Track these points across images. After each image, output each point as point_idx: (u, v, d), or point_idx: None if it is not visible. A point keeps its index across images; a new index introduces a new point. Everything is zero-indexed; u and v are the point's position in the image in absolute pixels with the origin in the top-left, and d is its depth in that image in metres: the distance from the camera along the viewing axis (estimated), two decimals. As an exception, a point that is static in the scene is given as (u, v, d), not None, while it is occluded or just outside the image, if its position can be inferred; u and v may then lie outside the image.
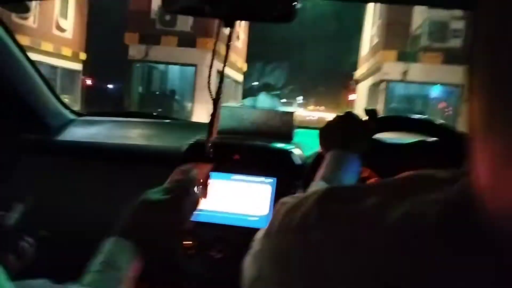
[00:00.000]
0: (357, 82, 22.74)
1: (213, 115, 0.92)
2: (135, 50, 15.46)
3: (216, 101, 0.92)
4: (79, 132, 1.42)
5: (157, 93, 17.90)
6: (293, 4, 0.74)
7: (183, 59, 15.55)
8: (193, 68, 15.70)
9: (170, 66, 17.15)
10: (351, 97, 24.35)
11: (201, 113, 15.03)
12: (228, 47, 0.80)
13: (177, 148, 1.21)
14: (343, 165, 0.80)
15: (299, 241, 0.32)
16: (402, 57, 13.68)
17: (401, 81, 14.44)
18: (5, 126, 1.34)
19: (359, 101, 21.86)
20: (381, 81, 15.18)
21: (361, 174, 1.08)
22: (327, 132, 0.91)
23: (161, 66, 17.63)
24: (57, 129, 1.43)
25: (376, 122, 0.94)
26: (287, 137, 1.30)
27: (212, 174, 1.11)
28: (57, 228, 1.01)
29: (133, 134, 1.42)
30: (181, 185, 0.73)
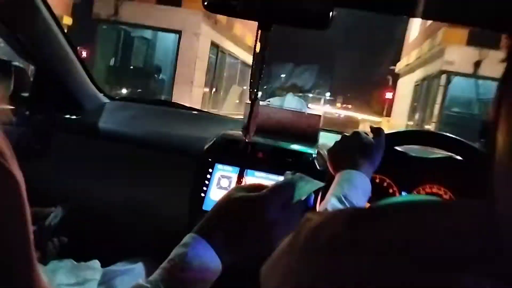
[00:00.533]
0: (397, 77, 18.53)
1: (250, 115, 0.93)
2: (101, 7, 11.11)
3: (253, 101, 0.92)
4: (111, 116, 1.47)
5: (134, 68, 12.79)
6: (329, 12, 0.75)
7: (164, 22, 11.28)
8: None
9: (159, 33, 12.52)
10: (388, 95, 21.12)
11: (181, 98, 10.13)
12: (263, 51, 0.81)
13: (202, 139, 1.24)
14: (354, 185, 0.80)
15: (326, 265, 0.30)
16: (475, 39, 9.24)
17: (472, 75, 9.77)
18: (43, 105, 1.40)
19: (399, 100, 17.37)
20: (441, 72, 10.63)
21: (380, 184, 1.09)
22: (336, 153, 0.92)
23: (147, 32, 12.69)
24: (91, 111, 1.49)
25: (384, 139, 0.94)
26: (312, 140, 1.31)
27: (237, 168, 1.14)
28: (80, 206, 1.06)
29: (161, 122, 1.46)
30: (278, 186, 0.63)
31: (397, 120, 16.05)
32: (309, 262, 0.31)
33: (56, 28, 1.34)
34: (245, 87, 16.10)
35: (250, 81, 0.82)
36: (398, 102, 17.63)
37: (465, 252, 0.26)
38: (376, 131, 0.94)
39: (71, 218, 0.94)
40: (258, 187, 0.63)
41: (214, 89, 14.74)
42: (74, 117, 1.42)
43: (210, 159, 1.16)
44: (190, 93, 11.74)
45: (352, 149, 0.88)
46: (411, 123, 13.98)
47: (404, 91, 16.25)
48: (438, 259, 0.26)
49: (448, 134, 1.05)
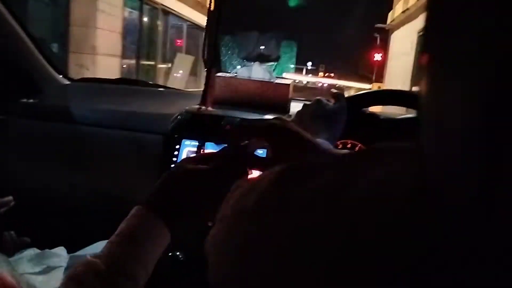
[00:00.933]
0: (386, 35, 15.89)
1: (207, 85, 0.89)
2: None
3: (209, 71, 0.88)
4: (72, 98, 1.40)
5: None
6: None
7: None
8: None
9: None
10: (377, 56, 18.51)
11: (80, 74, 6.19)
12: (218, 12, 0.76)
13: (168, 116, 1.20)
14: None
15: (255, 227, 0.29)
16: None
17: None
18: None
19: (394, 60, 14.34)
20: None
21: (351, 148, 1.07)
22: (297, 123, 0.89)
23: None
24: (50, 94, 1.41)
25: (348, 103, 0.91)
26: (283, 110, 1.29)
27: (206, 143, 1.11)
28: (42, 193, 1.01)
29: (126, 100, 1.40)
30: (224, 157, 0.62)
31: (393, 85, 13.28)
32: (238, 229, 0.30)
33: (4, 10, 1.26)
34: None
35: (204, 48, 0.78)
36: (393, 63, 14.74)
37: (395, 199, 0.24)
38: (336, 96, 0.92)
39: (31, 206, 0.89)
40: (206, 157, 0.63)
41: (153, 60, 10.29)
42: (31, 101, 1.35)
43: (176, 136, 1.12)
44: (94, 65, 7.40)
45: (313, 118, 0.86)
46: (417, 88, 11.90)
47: (400, 48, 13.36)
48: (365, 210, 0.24)
49: (415, 92, 1.03)
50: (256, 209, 0.30)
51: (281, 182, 0.30)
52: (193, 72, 10.83)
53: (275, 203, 0.29)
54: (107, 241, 0.98)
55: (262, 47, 1.34)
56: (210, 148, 1.10)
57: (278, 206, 0.29)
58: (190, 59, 9.91)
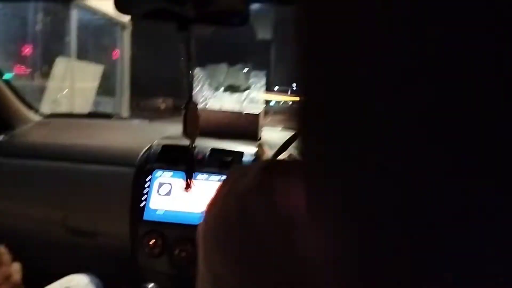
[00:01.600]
0: None
1: (185, 119, 0.90)
2: None
3: (188, 104, 0.89)
4: (41, 133, 1.41)
5: None
6: (247, 7, 0.76)
7: None
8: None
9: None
10: None
11: None
12: (189, 53, 0.79)
13: (139, 148, 1.22)
14: None
15: (238, 209, 0.32)
16: None
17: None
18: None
19: None
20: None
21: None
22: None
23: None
24: (21, 131, 1.41)
25: None
26: (253, 137, 1.32)
27: (177, 173, 1.13)
28: (12, 230, 1.00)
29: (96, 134, 1.41)
30: None
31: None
32: (225, 209, 0.33)
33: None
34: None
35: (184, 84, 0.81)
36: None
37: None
38: None
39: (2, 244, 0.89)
40: None
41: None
42: (1, 138, 1.34)
43: (148, 167, 1.14)
44: None
45: None
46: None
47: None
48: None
49: None
50: (242, 193, 0.34)
51: (265, 171, 0.35)
52: (106, 91, 6.17)
53: (256, 189, 0.33)
54: (78, 275, 0.98)
55: (231, 79, 1.37)
56: (181, 178, 1.12)
57: (257, 193, 0.33)
58: (94, 70, 5.57)
